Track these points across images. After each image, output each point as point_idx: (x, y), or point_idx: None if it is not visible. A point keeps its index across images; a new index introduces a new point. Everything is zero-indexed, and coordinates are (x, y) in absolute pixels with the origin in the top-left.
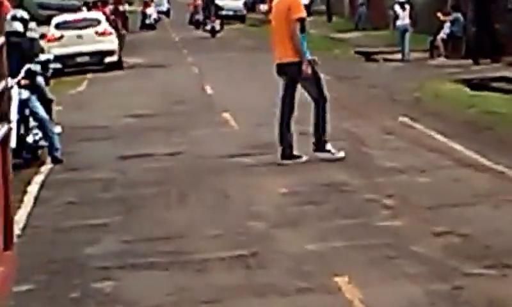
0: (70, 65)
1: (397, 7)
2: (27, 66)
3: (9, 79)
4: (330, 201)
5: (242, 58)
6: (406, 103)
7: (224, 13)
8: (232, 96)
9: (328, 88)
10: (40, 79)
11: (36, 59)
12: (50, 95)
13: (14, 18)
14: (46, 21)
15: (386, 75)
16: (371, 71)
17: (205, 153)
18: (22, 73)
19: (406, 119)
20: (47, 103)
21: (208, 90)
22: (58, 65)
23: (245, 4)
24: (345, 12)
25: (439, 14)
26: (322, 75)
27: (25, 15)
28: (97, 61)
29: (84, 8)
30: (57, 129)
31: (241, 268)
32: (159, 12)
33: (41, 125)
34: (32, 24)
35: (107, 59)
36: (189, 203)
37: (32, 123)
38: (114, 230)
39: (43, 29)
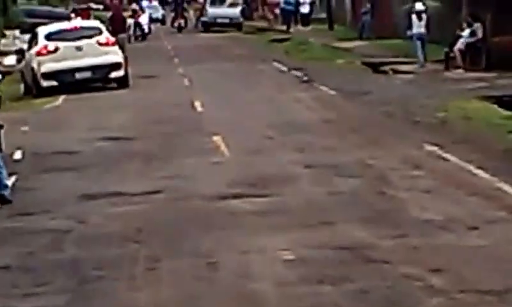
0: (68, 83)
1: (414, 16)
2: None
3: None
4: (353, 277)
5: (237, 69)
6: (429, 127)
7: (219, 20)
8: (224, 114)
9: (335, 107)
10: None
11: None
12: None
13: None
14: (32, 29)
15: (399, 90)
16: (381, 84)
17: (189, 193)
18: None
19: (433, 149)
20: None
21: (198, 107)
22: (54, 83)
23: (242, 11)
24: (347, 20)
25: (458, 31)
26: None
27: None
28: (101, 77)
29: (73, 15)
30: (17, 155)
31: None
32: (152, 19)
33: None
34: (16, 32)
35: (113, 74)
36: (161, 276)
37: None
38: None
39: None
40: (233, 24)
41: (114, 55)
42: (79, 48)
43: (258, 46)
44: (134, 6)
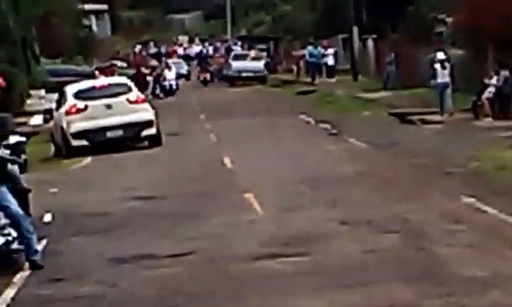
0: (99, 142)
1: (437, 66)
2: None
3: None
4: None
5: (264, 123)
6: (463, 178)
7: (244, 74)
8: (254, 170)
9: (366, 159)
10: (12, 167)
11: (5, 143)
12: (25, 185)
13: None
14: (56, 89)
15: (429, 140)
16: (410, 135)
17: (223, 254)
18: None
19: (471, 200)
20: (22, 196)
21: (228, 164)
22: (84, 142)
23: (266, 64)
24: (371, 70)
25: (486, 80)
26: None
27: None
28: (133, 135)
29: (97, 73)
30: (47, 217)
31: None
32: (178, 76)
33: (15, 223)
34: (41, 92)
35: (145, 132)
36: None
37: (3, 220)
38: None
39: (53, 96)
40: (257, 78)
41: (145, 112)
42: (108, 106)
43: (283, 99)
44: (154, 62)
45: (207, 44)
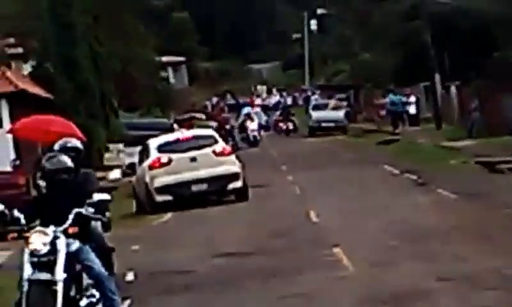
0: (183, 196)
1: None
2: (76, 209)
3: (52, 227)
4: None
5: (348, 174)
6: None
7: (324, 124)
8: (341, 224)
9: (456, 210)
10: (96, 225)
11: (89, 201)
12: (109, 244)
13: (63, 148)
14: (135, 142)
15: None
16: (500, 185)
17: None
18: (70, 219)
19: None
20: (105, 255)
21: (313, 217)
22: (168, 197)
23: (346, 113)
24: (455, 118)
25: None
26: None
27: (79, 145)
28: (218, 189)
29: (176, 126)
30: (130, 276)
31: None
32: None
33: (98, 284)
34: (120, 146)
35: (231, 186)
36: None
37: (86, 281)
38: None
39: (132, 150)
40: (338, 127)
41: (232, 165)
42: (193, 159)
43: (365, 149)
44: (226, 114)
45: (285, 94)
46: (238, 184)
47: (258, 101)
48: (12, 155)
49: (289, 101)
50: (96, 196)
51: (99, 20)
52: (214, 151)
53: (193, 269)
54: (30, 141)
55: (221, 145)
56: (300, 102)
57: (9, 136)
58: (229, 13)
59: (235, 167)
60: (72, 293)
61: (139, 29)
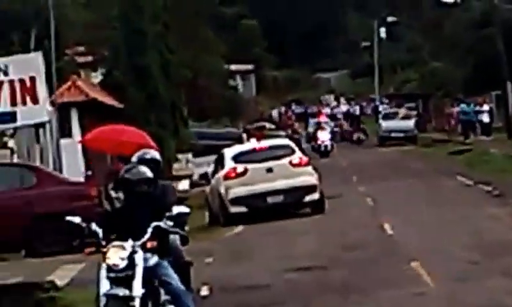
0: (258, 208)
1: None
2: (155, 223)
3: (130, 241)
4: None
5: (421, 185)
6: None
7: (393, 134)
8: (417, 237)
9: None
10: (174, 238)
11: (168, 214)
12: (187, 258)
13: (141, 160)
14: (204, 152)
15: None
16: None
17: None
18: (149, 233)
19: None
20: (183, 269)
21: (388, 230)
22: (243, 209)
23: (416, 123)
24: None
25: None
26: None
27: (157, 156)
28: (294, 201)
29: (244, 135)
30: (204, 291)
31: None
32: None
33: (176, 299)
34: (189, 156)
35: (308, 198)
36: None
37: (163, 296)
38: None
39: (202, 160)
40: (407, 137)
41: (309, 176)
42: (269, 170)
43: (436, 159)
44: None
45: (353, 103)
46: (315, 196)
47: (326, 110)
48: (82, 166)
49: (358, 111)
50: (176, 209)
51: (169, 27)
52: (290, 162)
53: (268, 283)
54: (99, 152)
55: (298, 155)
56: (368, 111)
57: (79, 146)
58: (298, 21)
59: (313, 179)
60: None
61: (209, 36)
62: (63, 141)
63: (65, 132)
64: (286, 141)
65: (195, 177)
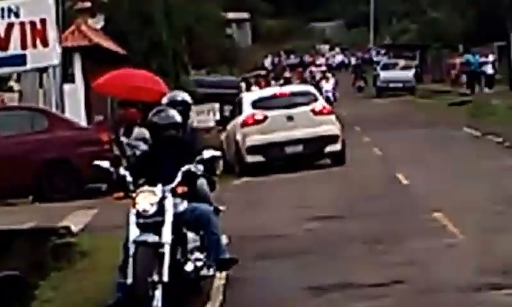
0: (276, 158)
1: None
2: (186, 167)
3: (160, 186)
4: None
5: (427, 136)
6: None
7: (392, 85)
8: (434, 187)
9: None
10: (202, 183)
11: (199, 158)
12: (217, 205)
13: (171, 102)
14: (203, 99)
15: None
16: None
17: (436, 283)
18: (179, 177)
19: None
20: None
21: (403, 180)
22: (260, 158)
23: (416, 74)
24: None
25: None
26: None
27: (188, 98)
28: (314, 151)
29: (242, 84)
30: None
31: None
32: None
33: (203, 223)
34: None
35: (328, 148)
36: None
37: (191, 243)
38: None
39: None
40: (406, 88)
41: (331, 125)
42: (290, 118)
43: (437, 110)
44: (287, 73)
45: (348, 53)
46: (336, 147)
47: (321, 60)
48: (83, 111)
49: (353, 61)
50: (207, 153)
51: None
52: (313, 110)
53: (287, 233)
54: (100, 98)
55: (320, 103)
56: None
57: (82, 91)
58: None
59: (335, 128)
60: (178, 256)
61: None
62: (65, 86)
63: (67, 77)
64: (308, 88)
65: (195, 124)
